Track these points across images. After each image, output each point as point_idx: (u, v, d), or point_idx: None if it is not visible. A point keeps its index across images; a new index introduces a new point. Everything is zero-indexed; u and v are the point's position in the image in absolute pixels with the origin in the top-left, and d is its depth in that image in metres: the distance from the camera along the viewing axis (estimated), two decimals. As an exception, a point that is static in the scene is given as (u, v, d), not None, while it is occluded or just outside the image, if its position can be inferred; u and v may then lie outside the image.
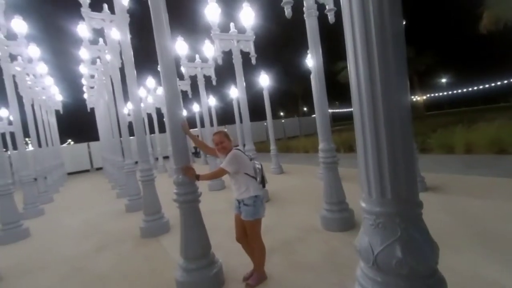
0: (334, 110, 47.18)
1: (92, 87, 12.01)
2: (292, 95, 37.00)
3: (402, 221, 1.13)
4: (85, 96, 14.12)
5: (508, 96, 32.03)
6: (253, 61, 5.80)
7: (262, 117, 9.29)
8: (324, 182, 3.85)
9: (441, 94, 33.44)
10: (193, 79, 8.26)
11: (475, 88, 31.40)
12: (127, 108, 15.69)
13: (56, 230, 5.63)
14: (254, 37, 5.71)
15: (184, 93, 9.67)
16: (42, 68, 10.09)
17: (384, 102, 1.11)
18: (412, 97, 27.75)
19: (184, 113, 14.79)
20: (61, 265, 3.81)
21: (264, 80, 8.64)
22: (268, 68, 9.45)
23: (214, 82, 7.62)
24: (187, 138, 2.81)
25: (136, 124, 4.61)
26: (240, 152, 2.65)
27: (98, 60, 9.30)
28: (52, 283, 3.34)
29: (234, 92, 10.60)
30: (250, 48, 5.73)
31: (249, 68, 6.87)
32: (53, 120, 14.67)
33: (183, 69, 8.12)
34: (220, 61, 5.50)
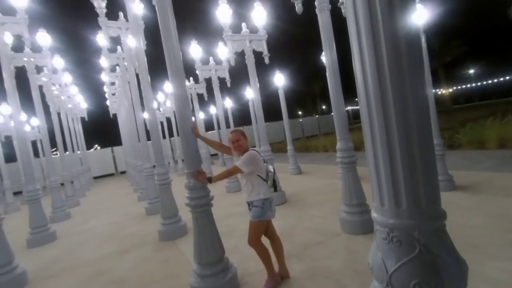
0: (354, 107, 45.93)
1: (113, 94, 12.44)
2: (310, 93, 36.50)
3: (421, 236, 0.95)
4: (108, 102, 14.67)
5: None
6: (266, 60, 5.70)
7: (279, 117, 9.17)
8: (343, 183, 3.68)
9: (469, 85, 31.54)
10: (208, 82, 8.29)
11: (507, 78, 29.31)
12: (146, 113, 16.24)
13: (80, 234, 5.83)
14: (267, 36, 5.62)
15: (200, 96, 9.75)
16: (67, 78, 10.58)
17: (396, 95, 0.96)
18: (437, 90, 26.42)
19: (201, 115, 15.00)
20: (83, 268, 3.92)
21: (279, 79, 8.51)
22: (284, 67, 9.33)
23: (228, 84, 7.61)
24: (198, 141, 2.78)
25: (152, 129, 4.66)
26: (256, 153, 2.59)
27: (117, 67, 9.63)
28: (73, 286, 3.42)
29: (250, 93, 10.55)
30: (263, 48, 5.64)
31: (264, 68, 6.78)
32: (79, 127, 15.38)
33: (198, 72, 8.19)
34: (233, 63, 5.46)
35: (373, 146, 1.03)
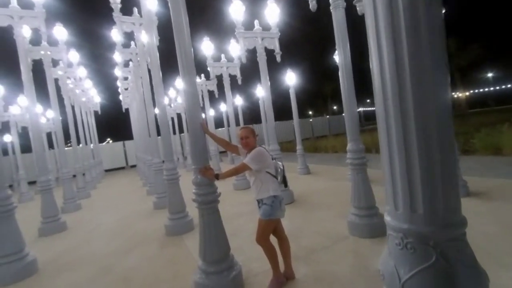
0: (366, 109, 45.23)
1: (126, 89, 12.61)
2: (321, 93, 36.15)
3: (437, 244, 0.88)
4: (120, 97, 14.89)
5: None
6: (278, 58, 5.66)
7: (290, 116, 9.08)
8: (352, 185, 3.61)
9: (486, 90, 30.49)
10: (219, 79, 8.30)
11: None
12: (157, 109, 16.44)
13: (89, 226, 5.93)
14: (279, 34, 5.57)
15: (211, 93, 9.77)
16: (81, 72, 10.79)
17: (416, 94, 0.90)
18: (453, 93, 25.70)
19: (211, 112, 15.02)
20: (90, 264, 3.92)
21: (291, 78, 8.44)
22: (295, 66, 9.24)
23: (239, 81, 7.59)
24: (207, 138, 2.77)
25: (162, 125, 4.69)
26: (264, 150, 2.57)
27: (130, 62, 9.76)
28: (79, 282, 3.44)
29: (260, 91, 10.51)
30: (275, 46, 5.59)
31: (276, 66, 6.70)
32: (92, 121, 15.68)
33: (209, 69, 8.21)
34: (244, 60, 5.43)
35: (389, 147, 0.98)
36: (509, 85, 30.09)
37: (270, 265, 2.62)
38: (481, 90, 30.71)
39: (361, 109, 42.64)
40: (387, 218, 1.01)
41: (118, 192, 10.51)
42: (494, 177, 5.37)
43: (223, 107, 15.68)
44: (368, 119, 38.95)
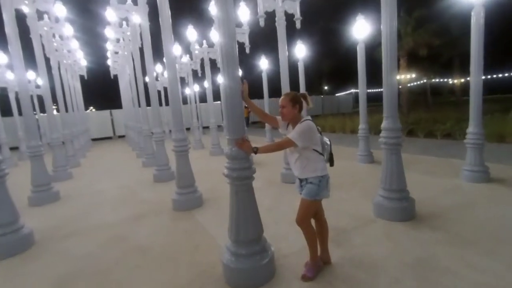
0: (357, 91, 44.99)
1: (116, 53, 11.67)
2: (319, 72, 35.34)
3: None
4: (109, 62, 13.85)
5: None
6: (298, 25, 5.17)
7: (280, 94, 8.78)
8: (384, 166, 3.38)
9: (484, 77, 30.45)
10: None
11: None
12: (159, 75, 15.61)
13: (90, 195, 5.55)
14: (301, -3, 5.03)
15: (213, 61, 9.16)
16: (68, 29, 9.79)
17: None
18: (449, 80, 25.77)
19: (196, 88, 14.48)
20: (100, 231, 3.68)
21: (300, 50, 7.94)
22: (295, 42, 8.66)
23: (247, 50, 7.05)
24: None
25: (171, 92, 4.22)
26: (312, 124, 2.24)
27: (124, 23, 8.89)
28: (91, 250, 3.18)
29: (264, 64, 9.95)
30: (295, 10, 5.08)
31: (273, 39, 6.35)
32: (78, 85, 14.64)
33: (213, 36, 7.60)
34: (262, 23, 4.90)
35: None
36: (497, 75, 30.36)
37: (309, 249, 2.38)
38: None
39: (353, 90, 42.54)
40: None
41: (112, 162, 10.01)
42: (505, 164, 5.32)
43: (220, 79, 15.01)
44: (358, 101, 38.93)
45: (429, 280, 2.18)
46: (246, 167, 2.32)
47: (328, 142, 2.37)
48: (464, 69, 27.88)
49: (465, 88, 30.25)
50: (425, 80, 23.45)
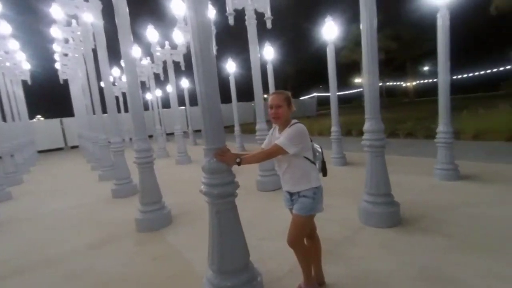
0: (320, 94, 46.67)
1: (66, 55, 10.51)
2: (282, 76, 35.75)
3: None
4: (57, 65, 12.46)
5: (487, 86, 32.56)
6: (269, 24, 4.93)
7: (249, 97, 8.46)
8: (369, 169, 3.21)
9: (427, 81, 33.30)
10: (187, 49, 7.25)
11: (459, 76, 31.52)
12: (117, 79, 14.41)
13: (32, 220, 4.68)
14: (272, -4, 4.81)
15: (176, 64, 8.60)
16: (4, 27, 8.55)
17: None
18: (402, 83, 27.69)
19: (158, 93, 13.74)
20: (47, 269, 2.99)
21: (268, 52, 7.73)
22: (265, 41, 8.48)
23: (215, 51, 6.65)
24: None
25: (131, 98, 3.70)
26: (304, 127, 1.93)
27: (74, 21, 7.99)
28: None
29: (231, 66, 9.60)
30: (266, 9, 4.84)
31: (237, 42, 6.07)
32: (20, 92, 12.93)
33: (176, 36, 7.12)
34: (231, 21, 4.57)
35: None
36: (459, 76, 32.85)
37: (303, 271, 2.07)
38: (427, 80, 33.17)
39: (315, 94, 43.97)
40: None
41: (61, 176, 8.87)
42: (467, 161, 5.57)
43: (185, 83, 14.36)
44: (320, 104, 40.07)
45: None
46: (228, 181, 1.96)
47: (320, 149, 2.09)
48: (416, 73, 30.37)
49: (417, 90, 33.07)
50: (380, 84, 24.91)
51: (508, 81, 20.14)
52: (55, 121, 18.81)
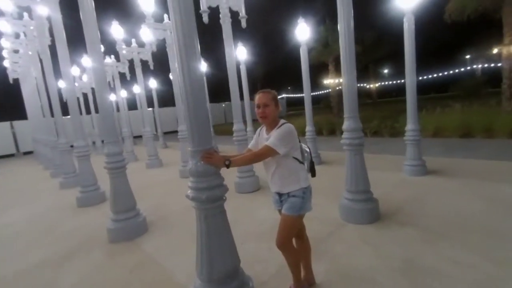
0: (288, 95, 47.58)
1: (16, 51, 9.56)
2: (253, 77, 35.81)
3: None
4: (6, 63, 11.27)
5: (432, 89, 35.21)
6: (244, 23, 4.86)
7: (219, 98, 8.41)
8: (349, 167, 3.29)
9: (388, 83, 35.39)
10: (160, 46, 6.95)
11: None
12: (77, 78, 13.36)
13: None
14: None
15: (144, 63, 8.20)
16: None
17: None
18: (366, 84, 29.19)
19: (124, 94, 13.08)
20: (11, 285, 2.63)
21: (241, 53, 7.68)
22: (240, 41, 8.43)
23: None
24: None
25: (100, 100, 3.41)
26: (293, 127, 1.91)
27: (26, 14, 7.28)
28: None
29: (203, 66, 9.39)
30: (240, 8, 4.77)
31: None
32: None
33: (144, 34, 6.78)
34: (206, 19, 4.43)
35: None
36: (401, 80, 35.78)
37: (293, 273, 2.04)
38: (386, 83, 35.34)
39: (284, 95, 44.78)
40: None
41: (14, 184, 8.02)
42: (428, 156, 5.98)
43: (152, 83, 13.78)
44: (289, 105, 40.88)
45: (425, 285, 2.07)
46: (216, 185, 1.86)
47: (308, 150, 2.08)
48: (378, 75, 32.23)
49: (379, 91, 35.13)
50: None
51: (456, 83, 22.32)
52: (5, 125, 17.05)
